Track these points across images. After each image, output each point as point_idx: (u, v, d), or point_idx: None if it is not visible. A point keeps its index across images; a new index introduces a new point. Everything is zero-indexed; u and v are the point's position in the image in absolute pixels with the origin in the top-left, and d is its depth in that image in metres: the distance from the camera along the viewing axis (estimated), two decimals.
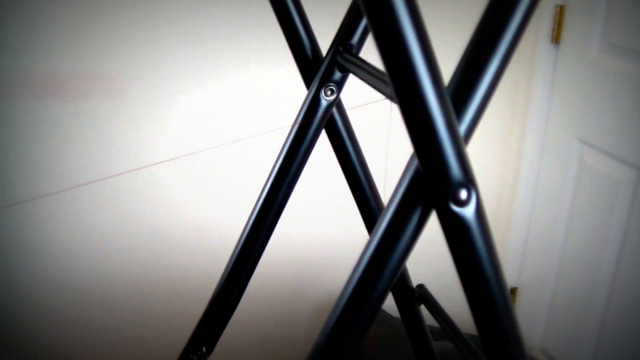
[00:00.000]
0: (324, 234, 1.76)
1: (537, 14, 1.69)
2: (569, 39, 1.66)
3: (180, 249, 1.64)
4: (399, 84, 0.46)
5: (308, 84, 0.78)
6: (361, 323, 0.56)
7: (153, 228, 1.59)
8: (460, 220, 0.51)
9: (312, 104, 0.76)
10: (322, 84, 0.75)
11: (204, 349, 0.82)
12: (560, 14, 1.66)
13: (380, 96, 0.65)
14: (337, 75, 0.75)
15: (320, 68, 0.76)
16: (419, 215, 0.52)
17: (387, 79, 0.63)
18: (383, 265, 0.54)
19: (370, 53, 0.76)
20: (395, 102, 0.61)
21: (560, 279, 1.78)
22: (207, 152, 1.53)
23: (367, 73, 0.67)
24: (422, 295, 0.93)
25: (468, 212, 0.51)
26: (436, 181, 0.49)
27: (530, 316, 1.89)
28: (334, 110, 0.78)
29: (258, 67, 1.53)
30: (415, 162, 0.52)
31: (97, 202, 1.51)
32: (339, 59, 0.74)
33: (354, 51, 0.75)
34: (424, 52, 0.44)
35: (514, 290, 1.95)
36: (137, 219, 1.57)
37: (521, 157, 1.85)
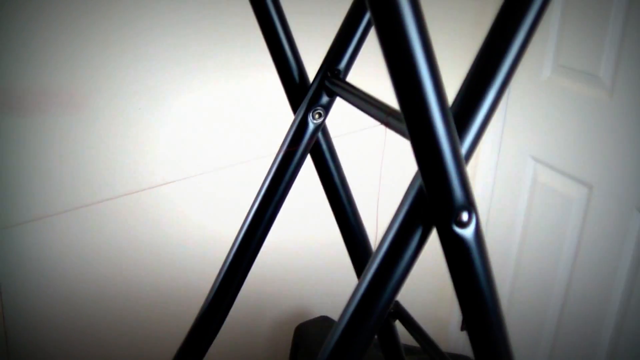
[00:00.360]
0: (285, 246, 1.77)
1: None
2: (522, 61, 1.72)
3: (174, 264, 1.65)
4: (409, 111, 0.48)
5: (295, 107, 0.80)
6: (363, 340, 0.58)
7: (150, 244, 1.60)
8: (461, 241, 0.54)
9: (300, 127, 0.78)
10: (310, 108, 0.78)
11: None
12: None
13: (373, 123, 0.67)
14: (325, 99, 0.78)
15: (308, 92, 0.78)
16: (420, 234, 0.55)
17: (378, 103, 0.67)
18: (386, 280, 0.56)
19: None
20: (389, 127, 0.64)
21: (514, 293, 1.84)
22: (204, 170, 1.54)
23: (357, 97, 0.70)
24: (397, 311, 0.96)
25: (468, 233, 0.54)
26: (440, 204, 0.52)
27: None
28: (320, 135, 0.81)
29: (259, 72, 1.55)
30: (417, 184, 0.55)
31: (95, 222, 1.51)
32: (327, 83, 0.77)
33: (341, 76, 0.77)
34: (433, 79, 0.47)
35: None
36: (136, 236, 1.57)
37: (475, 174, 1.90)
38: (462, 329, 1.67)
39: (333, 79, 0.77)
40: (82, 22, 1.37)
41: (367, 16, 0.77)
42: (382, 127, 0.66)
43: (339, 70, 0.77)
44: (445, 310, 2.05)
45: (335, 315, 1.75)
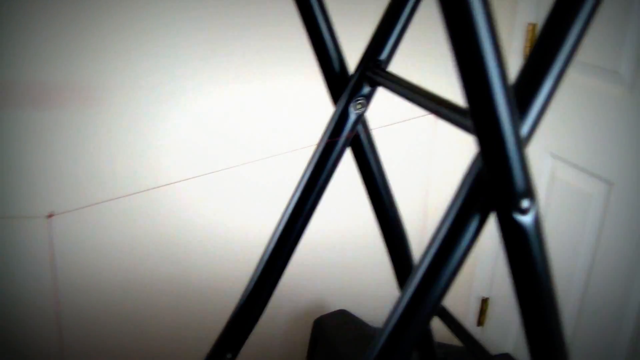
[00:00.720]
0: (303, 239, 1.77)
1: (508, 32, 1.75)
2: None
3: (201, 257, 1.67)
4: (473, 94, 0.48)
5: (335, 98, 0.80)
6: (415, 335, 0.58)
7: (180, 239, 1.61)
8: (520, 228, 0.54)
9: (341, 118, 0.78)
10: (352, 98, 0.78)
11: (229, 355, 0.84)
12: (532, 32, 1.72)
13: (418, 113, 0.67)
14: (366, 89, 0.78)
15: (349, 82, 0.78)
16: (478, 221, 0.55)
17: (427, 93, 0.67)
18: (443, 269, 0.56)
19: None
20: (440, 117, 0.64)
21: None
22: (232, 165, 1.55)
23: (403, 88, 0.70)
24: None
25: (528, 220, 0.54)
26: (502, 190, 0.52)
27: (502, 325, 1.95)
28: (359, 127, 0.81)
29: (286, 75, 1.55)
30: (475, 170, 0.55)
31: (119, 217, 1.52)
32: (368, 73, 0.77)
33: (382, 67, 0.77)
34: (497, 60, 0.46)
35: (485, 301, 2.00)
36: (165, 229, 1.59)
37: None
38: (479, 324, 1.66)
39: (375, 70, 0.77)
40: (102, 16, 1.37)
41: (409, 7, 0.77)
42: (431, 117, 0.66)
43: (380, 61, 0.77)
44: (462, 306, 2.05)
45: (353, 308, 1.75)
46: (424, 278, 0.57)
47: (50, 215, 0.75)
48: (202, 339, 0.96)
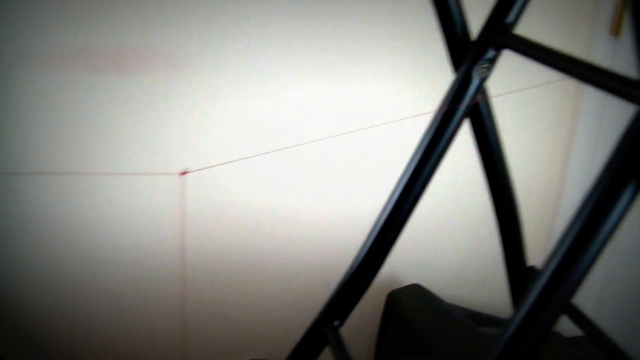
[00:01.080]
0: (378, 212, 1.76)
1: (594, 4, 1.68)
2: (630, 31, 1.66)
3: (306, 232, 1.71)
4: None
5: (457, 63, 0.78)
6: (557, 309, 0.55)
7: (284, 208, 1.66)
8: None
9: (464, 82, 0.76)
10: (475, 62, 0.75)
11: (336, 322, 0.83)
12: (621, 4, 1.64)
13: (552, 78, 0.65)
14: (491, 53, 0.75)
15: (474, 45, 0.76)
16: (632, 190, 0.52)
17: (565, 56, 0.63)
18: (588, 247, 0.53)
19: None
20: (585, 81, 0.61)
21: (610, 269, 1.79)
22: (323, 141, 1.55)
23: (538, 51, 0.67)
24: None
25: None
26: None
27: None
28: (479, 96, 0.78)
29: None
30: (633, 134, 0.52)
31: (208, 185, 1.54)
32: (494, 36, 0.74)
33: (509, 29, 0.75)
34: None
35: None
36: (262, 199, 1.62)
37: (571, 149, 1.85)
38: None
39: (502, 32, 0.74)
40: None
41: None
42: (570, 84, 0.63)
43: (507, 24, 0.75)
44: None
45: (426, 282, 1.73)
46: (565, 259, 0.53)
47: (183, 173, 0.75)
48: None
